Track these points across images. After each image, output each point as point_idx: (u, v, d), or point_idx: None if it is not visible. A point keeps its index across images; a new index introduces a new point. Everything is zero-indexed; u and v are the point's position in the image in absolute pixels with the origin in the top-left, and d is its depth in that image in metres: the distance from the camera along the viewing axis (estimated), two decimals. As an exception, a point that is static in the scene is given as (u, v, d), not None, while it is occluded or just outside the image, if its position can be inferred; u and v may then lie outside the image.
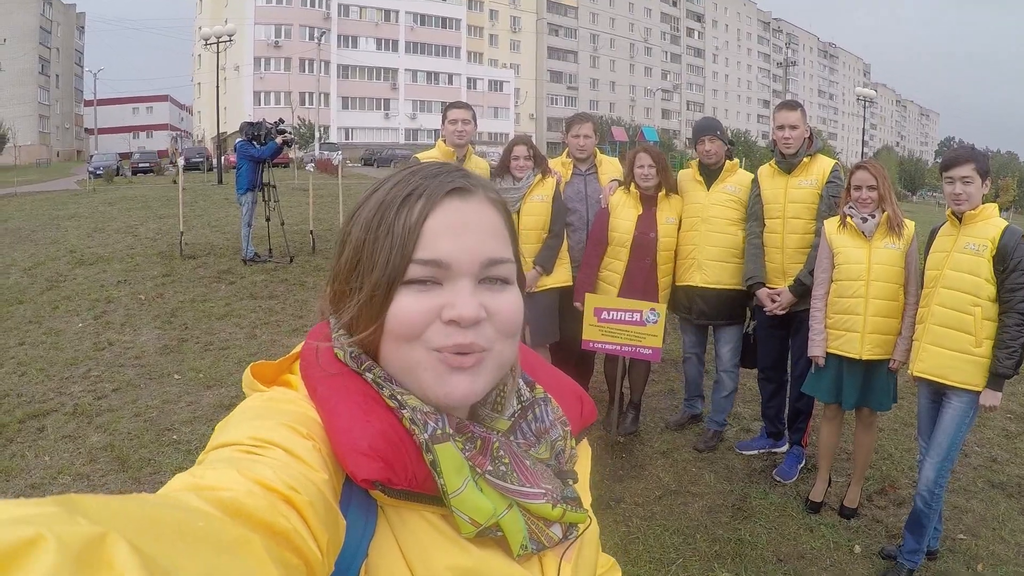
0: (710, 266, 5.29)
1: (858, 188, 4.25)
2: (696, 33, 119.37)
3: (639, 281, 5.34)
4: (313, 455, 0.75)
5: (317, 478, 0.72)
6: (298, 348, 0.94)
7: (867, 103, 62.70)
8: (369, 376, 0.85)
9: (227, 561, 0.54)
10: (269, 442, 0.73)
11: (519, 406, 0.95)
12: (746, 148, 60.68)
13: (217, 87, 38.49)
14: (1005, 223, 3.67)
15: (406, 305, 0.83)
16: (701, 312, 5.43)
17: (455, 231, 0.84)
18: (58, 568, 0.40)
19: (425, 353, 0.83)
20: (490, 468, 0.84)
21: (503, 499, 0.84)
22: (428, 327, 0.83)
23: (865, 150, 77.79)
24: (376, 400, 0.83)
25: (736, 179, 5.31)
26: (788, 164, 4.96)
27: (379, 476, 0.76)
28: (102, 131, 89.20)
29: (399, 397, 0.83)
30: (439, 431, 0.82)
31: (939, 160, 3.96)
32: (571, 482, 0.93)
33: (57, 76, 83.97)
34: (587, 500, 0.97)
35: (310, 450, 0.75)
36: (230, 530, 0.57)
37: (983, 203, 3.74)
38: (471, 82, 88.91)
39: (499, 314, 0.86)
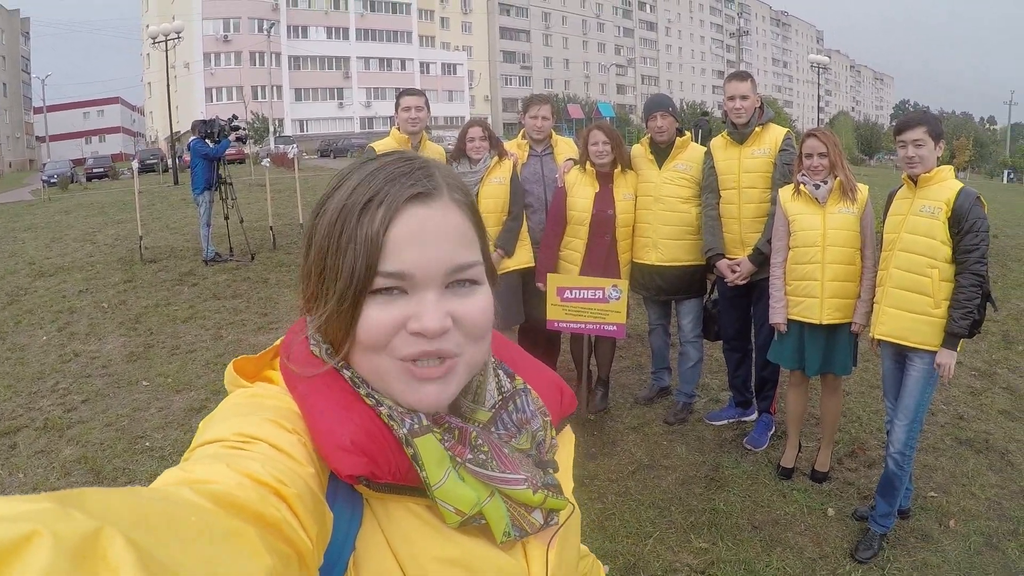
0: (665, 244, 5.32)
1: (809, 156, 4.30)
2: (648, 7, 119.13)
3: (600, 258, 5.36)
4: (299, 449, 0.76)
5: (304, 472, 0.73)
6: (278, 342, 0.94)
7: (821, 70, 63.03)
8: (347, 374, 0.85)
9: (223, 552, 0.55)
10: (254, 437, 0.74)
11: (500, 397, 0.95)
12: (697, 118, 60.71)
13: (168, 86, 37.91)
14: (960, 185, 3.72)
15: (372, 316, 0.82)
16: (660, 288, 5.47)
17: (418, 241, 0.82)
18: (54, 563, 0.40)
19: (392, 362, 0.83)
20: (470, 456, 0.84)
21: (485, 487, 0.84)
22: (394, 337, 0.82)
23: (821, 116, 78.31)
24: (354, 396, 0.83)
25: (687, 156, 5.32)
26: (740, 135, 5.00)
27: (363, 471, 0.77)
28: (53, 138, 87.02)
29: (375, 396, 0.83)
30: (416, 426, 0.82)
31: (895, 124, 4.01)
32: (551, 471, 0.94)
33: (4, 84, 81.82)
34: (568, 488, 0.98)
35: (295, 444, 0.76)
36: (224, 522, 0.58)
37: (938, 166, 3.79)
38: (424, 67, 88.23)
39: (466, 319, 0.84)
